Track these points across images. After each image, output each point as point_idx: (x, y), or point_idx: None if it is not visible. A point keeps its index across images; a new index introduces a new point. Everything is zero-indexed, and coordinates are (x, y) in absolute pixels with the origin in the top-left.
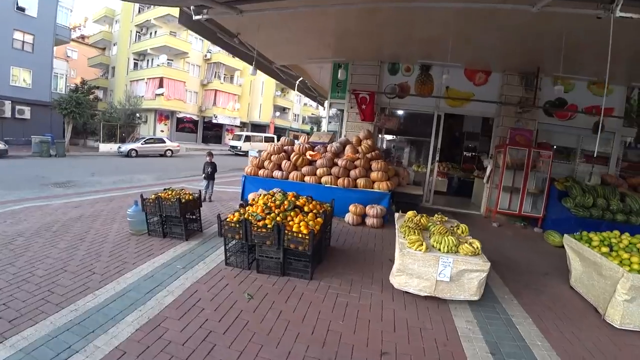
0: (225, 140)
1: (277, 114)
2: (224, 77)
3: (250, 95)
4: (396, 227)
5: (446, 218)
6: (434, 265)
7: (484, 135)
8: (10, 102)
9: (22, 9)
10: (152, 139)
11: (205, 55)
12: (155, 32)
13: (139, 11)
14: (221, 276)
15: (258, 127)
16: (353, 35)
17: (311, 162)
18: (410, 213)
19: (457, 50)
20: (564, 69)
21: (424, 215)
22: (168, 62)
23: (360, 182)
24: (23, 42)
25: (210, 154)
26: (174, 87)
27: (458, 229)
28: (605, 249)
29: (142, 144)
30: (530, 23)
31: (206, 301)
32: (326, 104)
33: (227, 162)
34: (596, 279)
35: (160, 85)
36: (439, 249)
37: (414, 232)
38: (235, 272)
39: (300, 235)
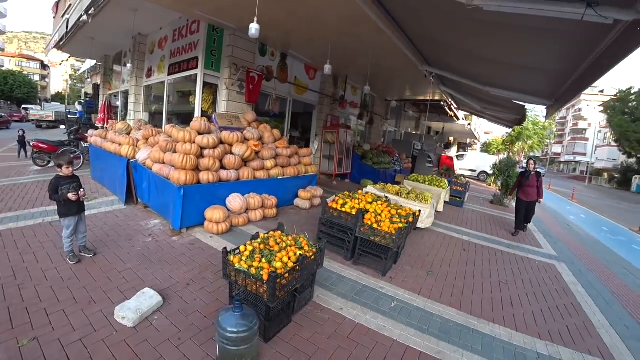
0: None
1: None
2: None
3: None
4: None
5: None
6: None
7: None
8: None
9: None
10: None
11: None
12: None
13: None
14: None
15: None
16: None
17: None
18: (389, 186)
19: (306, 47)
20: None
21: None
22: None
23: (301, 168)
24: None
25: None
26: None
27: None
28: (423, 180)
29: None
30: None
31: None
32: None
33: None
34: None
35: None
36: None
37: (410, 194)
38: None
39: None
